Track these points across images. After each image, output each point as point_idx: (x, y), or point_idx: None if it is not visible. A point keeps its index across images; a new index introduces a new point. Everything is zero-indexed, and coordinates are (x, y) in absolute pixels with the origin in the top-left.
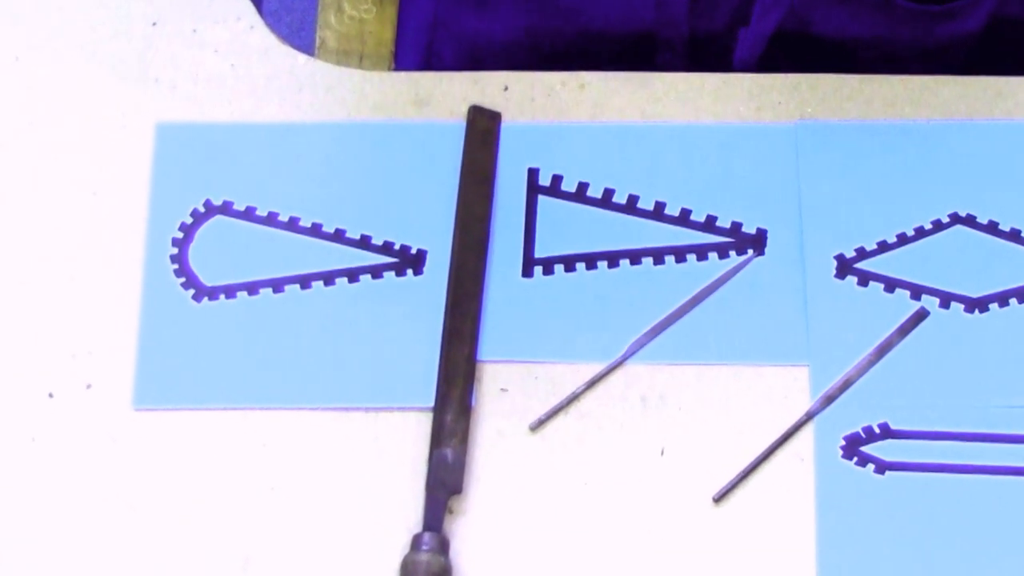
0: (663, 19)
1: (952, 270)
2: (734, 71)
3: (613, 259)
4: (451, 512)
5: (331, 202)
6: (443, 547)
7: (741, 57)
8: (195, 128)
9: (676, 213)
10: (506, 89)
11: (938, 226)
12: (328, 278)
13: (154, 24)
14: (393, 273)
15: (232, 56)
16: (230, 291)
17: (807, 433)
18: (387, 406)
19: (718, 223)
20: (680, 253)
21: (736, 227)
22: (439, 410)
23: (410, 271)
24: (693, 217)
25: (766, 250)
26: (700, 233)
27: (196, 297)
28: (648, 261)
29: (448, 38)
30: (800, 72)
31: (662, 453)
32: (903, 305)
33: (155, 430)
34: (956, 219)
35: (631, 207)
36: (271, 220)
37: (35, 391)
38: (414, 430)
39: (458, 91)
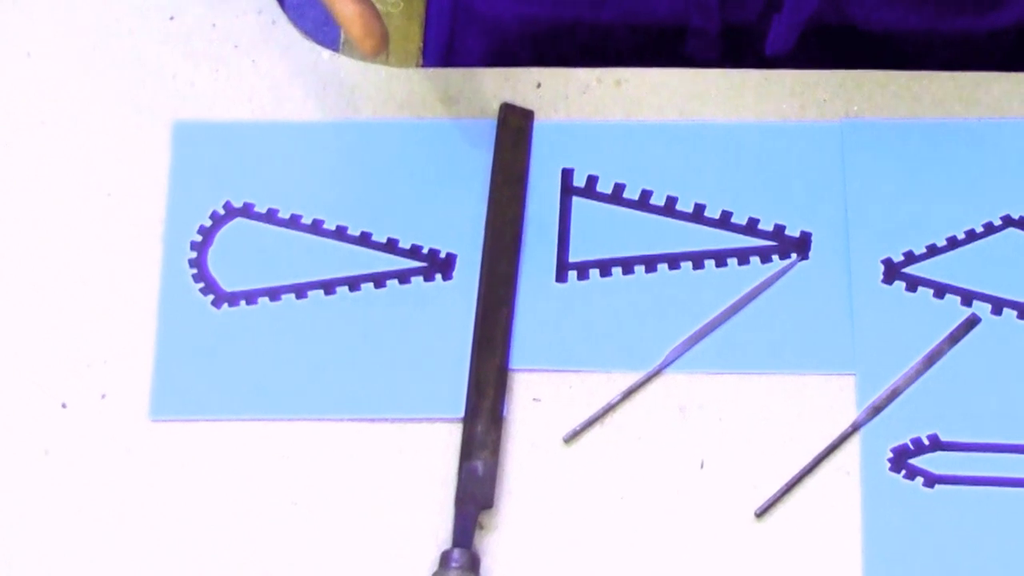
0: (694, 6)
1: (1004, 275)
2: (767, 61)
3: (650, 263)
4: (481, 528)
5: (357, 204)
6: (473, 564)
7: (774, 46)
8: (214, 127)
9: (716, 215)
10: (539, 86)
11: (990, 229)
12: (353, 283)
13: (171, 18)
14: (421, 278)
15: (253, 52)
16: (251, 297)
17: (853, 445)
18: (415, 417)
19: (760, 226)
20: (721, 257)
21: (779, 230)
22: (469, 421)
23: (439, 276)
24: (734, 219)
25: (810, 254)
26: (741, 236)
27: (215, 303)
28: (687, 265)
29: (470, 22)
30: (839, 66)
31: (701, 466)
32: (953, 311)
33: (172, 442)
34: (1009, 222)
35: (669, 209)
36: (294, 223)
37: (48, 401)
38: (443, 442)
39: (489, 88)
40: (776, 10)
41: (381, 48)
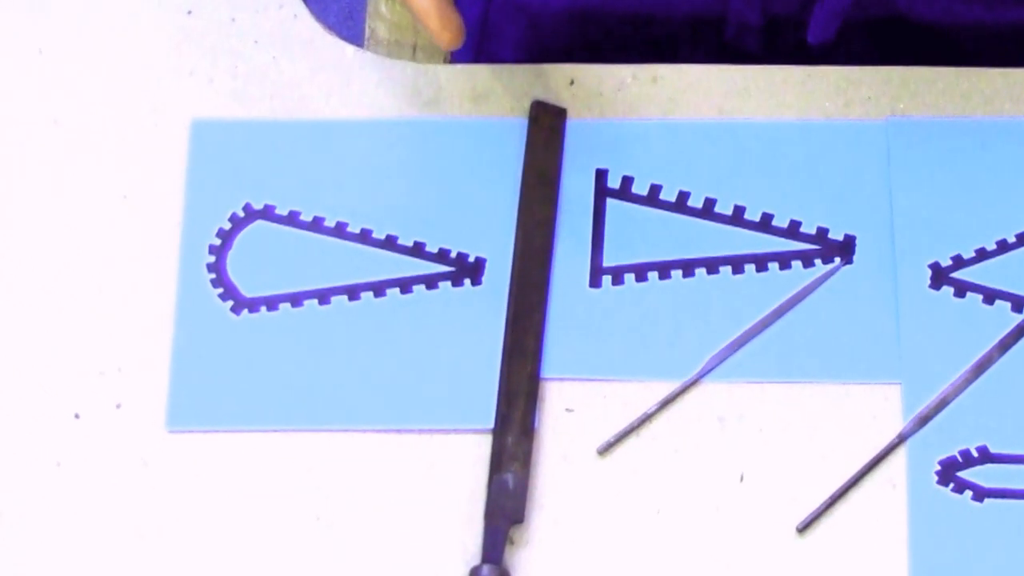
0: None
1: None
2: (810, 54)
3: (688, 268)
4: (512, 543)
5: (382, 206)
6: None
7: (815, 36)
8: (234, 125)
9: (757, 218)
10: (572, 83)
11: None
12: (378, 289)
13: (189, 13)
14: (449, 283)
15: (274, 47)
16: (272, 303)
17: (899, 457)
18: (443, 428)
19: (802, 229)
20: (761, 261)
21: (822, 233)
22: (499, 432)
23: (468, 281)
24: (775, 222)
25: (854, 258)
26: (783, 240)
27: (235, 309)
28: (726, 270)
29: (502, 13)
30: (886, 61)
31: (741, 479)
32: (1003, 318)
33: (190, 454)
34: None
35: (708, 211)
36: (316, 225)
37: (60, 411)
38: (472, 454)
39: (520, 85)
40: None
41: (458, 41)
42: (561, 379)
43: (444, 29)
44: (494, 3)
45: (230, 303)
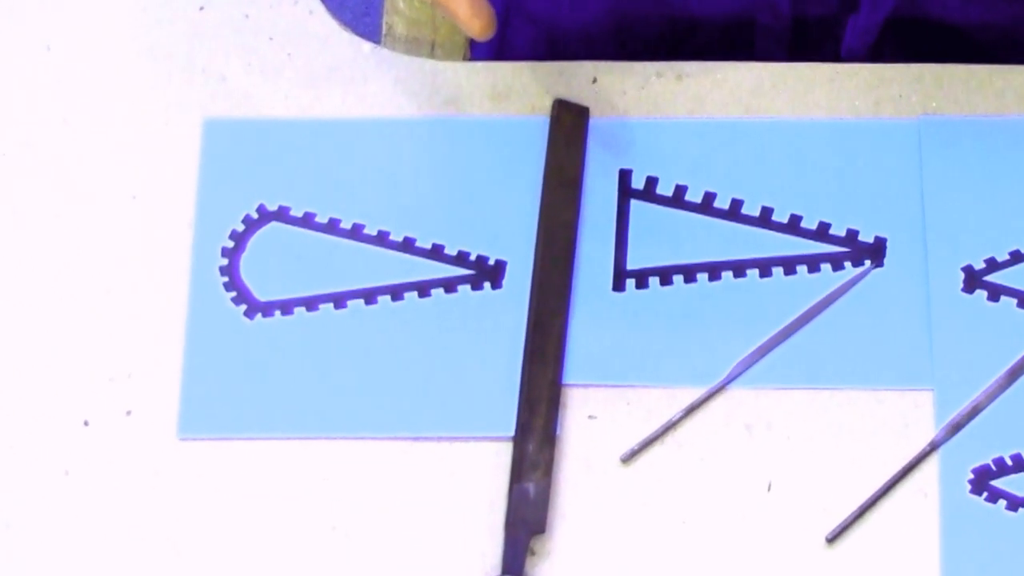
0: (764, 2)
1: None
2: (841, 61)
3: (714, 271)
4: (533, 554)
5: (399, 207)
6: None
7: (850, 46)
8: (247, 124)
9: (785, 219)
10: (595, 81)
11: None
12: (396, 292)
13: (201, 8)
14: (468, 287)
15: (289, 44)
16: (286, 307)
17: (931, 466)
18: (462, 435)
19: (832, 231)
20: (789, 264)
21: (852, 235)
22: (520, 440)
23: (487, 284)
24: (804, 224)
25: (885, 261)
26: (811, 242)
27: (248, 313)
28: (753, 273)
29: (522, 24)
30: (914, 60)
31: (769, 488)
32: None
33: (202, 462)
34: None
35: (734, 213)
36: (332, 227)
37: (69, 419)
38: (492, 462)
39: (541, 83)
40: (852, 10)
41: (490, 30)
42: (584, 385)
43: (475, 16)
44: (511, 20)
45: (243, 307)
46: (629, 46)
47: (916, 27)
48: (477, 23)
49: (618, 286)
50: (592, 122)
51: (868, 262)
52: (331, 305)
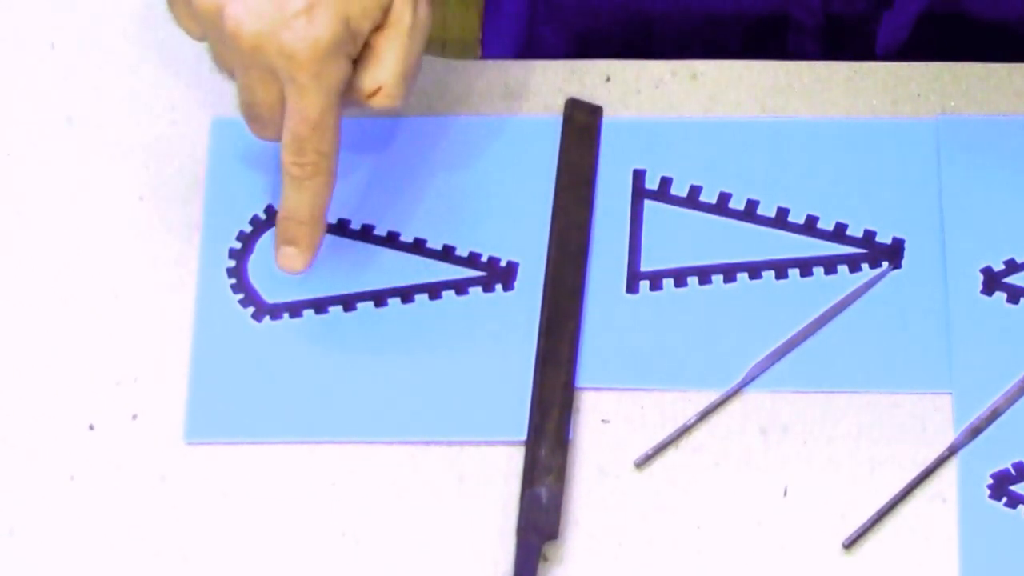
0: None
1: None
2: (876, 58)
3: (729, 273)
4: (545, 560)
5: (409, 208)
6: None
7: (884, 43)
8: None
9: (801, 220)
10: (608, 79)
11: None
12: (406, 294)
13: None
14: (480, 288)
15: None
16: (295, 309)
17: (949, 470)
18: (473, 440)
19: (849, 232)
20: (806, 266)
21: (869, 236)
22: (532, 444)
23: (499, 286)
24: (820, 225)
25: (903, 262)
26: (828, 243)
27: (256, 316)
28: (769, 275)
29: (550, 16)
30: (945, 58)
31: (785, 493)
32: None
33: (209, 467)
34: None
35: (750, 213)
36: (341, 228)
37: (74, 423)
38: (504, 467)
39: (554, 82)
40: (887, 6)
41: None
42: (597, 388)
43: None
44: (538, 13)
45: (251, 309)
46: (654, 43)
47: (952, 23)
48: (298, 260)
49: (632, 288)
50: (605, 121)
51: (886, 263)
52: (340, 307)
